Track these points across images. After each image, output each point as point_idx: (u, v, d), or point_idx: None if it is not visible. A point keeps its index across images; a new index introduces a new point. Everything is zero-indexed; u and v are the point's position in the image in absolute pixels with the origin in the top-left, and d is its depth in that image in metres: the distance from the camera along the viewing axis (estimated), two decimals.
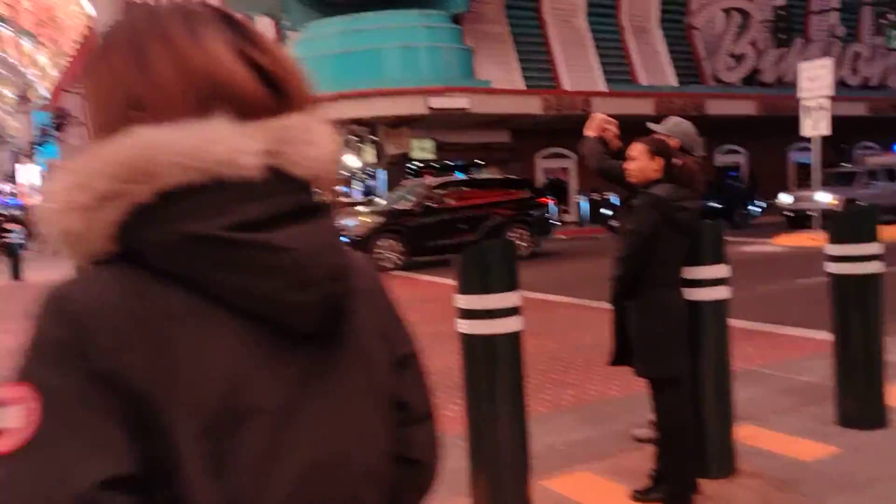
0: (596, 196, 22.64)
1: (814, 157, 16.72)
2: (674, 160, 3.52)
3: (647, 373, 3.50)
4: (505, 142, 24.31)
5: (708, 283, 3.73)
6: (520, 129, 23.74)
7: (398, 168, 23.26)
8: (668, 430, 3.50)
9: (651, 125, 4.28)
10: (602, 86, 23.99)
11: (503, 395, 3.22)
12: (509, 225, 15.08)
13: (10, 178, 71.55)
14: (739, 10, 25.86)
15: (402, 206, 14.84)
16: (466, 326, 3.18)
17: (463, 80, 20.81)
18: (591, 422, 4.70)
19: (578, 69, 24.16)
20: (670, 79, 25.61)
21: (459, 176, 27.99)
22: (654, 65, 25.59)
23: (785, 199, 20.95)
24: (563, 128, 23.74)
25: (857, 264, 4.24)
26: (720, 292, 3.78)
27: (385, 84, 20.14)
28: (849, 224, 4.33)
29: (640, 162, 3.46)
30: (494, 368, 3.20)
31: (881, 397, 4.28)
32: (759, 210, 22.05)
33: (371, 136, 23.30)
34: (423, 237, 14.21)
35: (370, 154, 23.88)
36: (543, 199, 16.08)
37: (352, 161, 24.70)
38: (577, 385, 5.64)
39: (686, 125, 4.21)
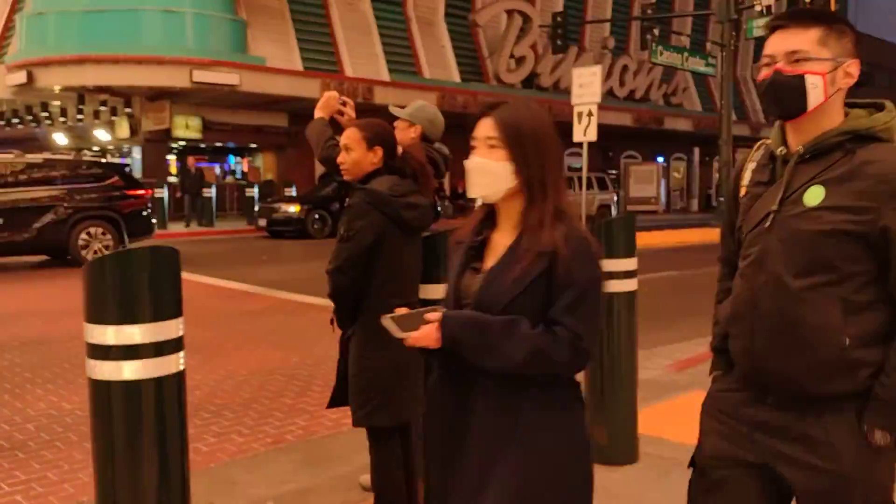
0: None
1: (584, 163, 17.29)
2: (401, 149, 2.84)
3: (360, 421, 2.71)
4: (282, 126, 22.93)
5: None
6: (298, 114, 22.45)
7: (159, 146, 21.06)
8: (383, 489, 2.75)
9: (394, 109, 3.59)
10: (386, 75, 23.40)
11: (152, 462, 2.23)
12: (81, 221, 11.73)
13: None
14: (521, 13, 26.50)
15: None
16: (98, 369, 2.15)
17: (233, 55, 19.16)
18: (316, 464, 3.85)
19: (362, 55, 23.35)
20: (454, 74, 25.65)
21: (231, 161, 26.18)
22: (439, 59, 25.48)
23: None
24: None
25: (616, 281, 3.74)
26: None
27: (143, 51, 17.98)
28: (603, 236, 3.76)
29: (355, 153, 2.76)
30: (139, 426, 2.20)
31: (634, 426, 3.82)
32: None
33: (126, 109, 20.83)
34: None
35: (124, 128, 21.38)
36: (139, 190, 12.76)
37: (102, 135, 22.01)
38: (310, 412, 4.77)
39: (432, 110, 3.55)
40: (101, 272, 2.12)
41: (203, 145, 22.88)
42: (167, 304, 2.19)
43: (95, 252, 11.56)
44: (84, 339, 2.15)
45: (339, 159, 2.80)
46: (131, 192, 12.43)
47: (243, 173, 26.52)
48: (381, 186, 2.68)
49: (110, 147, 24.38)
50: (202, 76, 17.97)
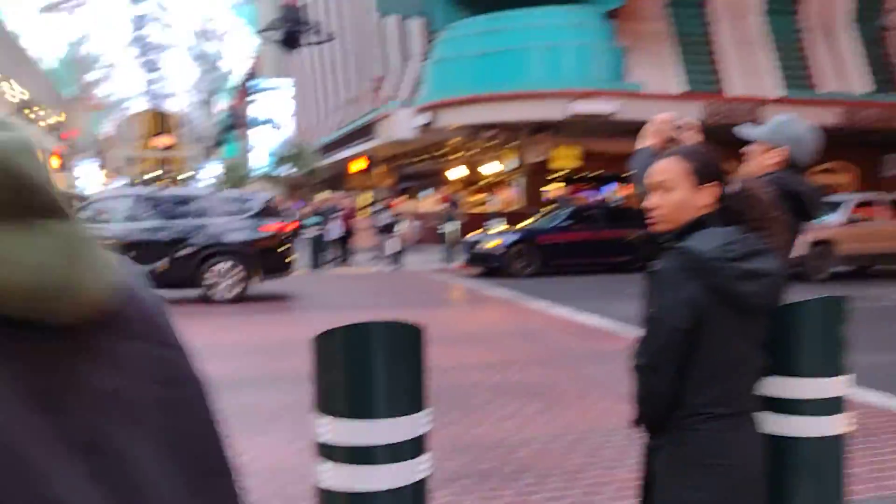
0: None
1: None
2: (739, 183, 2.02)
3: None
4: None
5: (813, 409, 2.13)
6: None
7: (538, 177, 21.82)
8: None
9: (743, 130, 2.75)
10: (775, 91, 21.20)
11: None
12: (211, 257, 11.24)
13: (199, 173, 77.64)
14: None
15: None
16: (337, 476, 1.80)
17: (611, 83, 19.01)
18: None
19: (747, 73, 21.51)
20: (856, 85, 22.27)
21: (603, 191, 26.03)
22: (839, 69, 22.35)
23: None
24: (725, 139, 21.25)
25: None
26: (836, 424, 2.15)
27: (527, 87, 18.80)
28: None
29: (677, 193, 1.96)
30: None
31: None
32: None
33: (512, 142, 22.01)
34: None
35: (511, 161, 22.60)
36: (276, 224, 11.86)
37: (492, 168, 23.55)
38: None
39: (799, 127, 2.62)
40: (331, 350, 1.78)
41: (584, 174, 23.18)
42: (402, 395, 1.77)
43: (218, 288, 11.29)
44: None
45: (651, 203, 2.06)
46: (265, 228, 11.61)
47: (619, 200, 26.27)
48: (708, 244, 1.89)
49: (500, 178, 26.09)
50: (580, 107, 18.15)
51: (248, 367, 7.14)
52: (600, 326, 9.23)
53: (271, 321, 10.21)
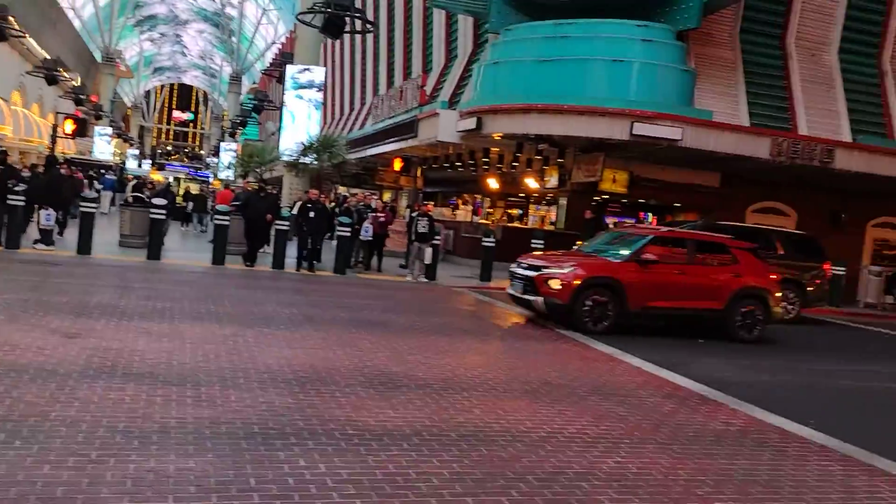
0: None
1: None
2: None
3: None
4: (712, 186, 20.82)
5: None
6: (734, 174, 20.21)
7: (583, 199, 20.50)
8: None
9: None
10: (848, 136, 19.92)
11: None
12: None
13: (216, 153, 76.42)
14: None
15: None
16: None
17: (678, 108, 17.68)
18: None
19: (819, 113, 20.24)
20: None
21: (647, 219, 24.68)
22: None
23: None
24: (786, 179, 19.96)
25: None
26: None
27: (586, 101, 17.48)
28: None
29: None
30: None
31: None
32: None
33: (558, 160, 20.71)
34: None
35: (553, 179, 21.31)
36: None
37: (530, 183, 22.27)
38: None
39: None
40: None
41: (624, 201, 21.89)
42: None
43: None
44: None
45: None
46: None
47: None
48: None
49: (535, 195, 24.86)
50: (642, 129, 16.82)
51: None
52: (689, 388, 7.92)
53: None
